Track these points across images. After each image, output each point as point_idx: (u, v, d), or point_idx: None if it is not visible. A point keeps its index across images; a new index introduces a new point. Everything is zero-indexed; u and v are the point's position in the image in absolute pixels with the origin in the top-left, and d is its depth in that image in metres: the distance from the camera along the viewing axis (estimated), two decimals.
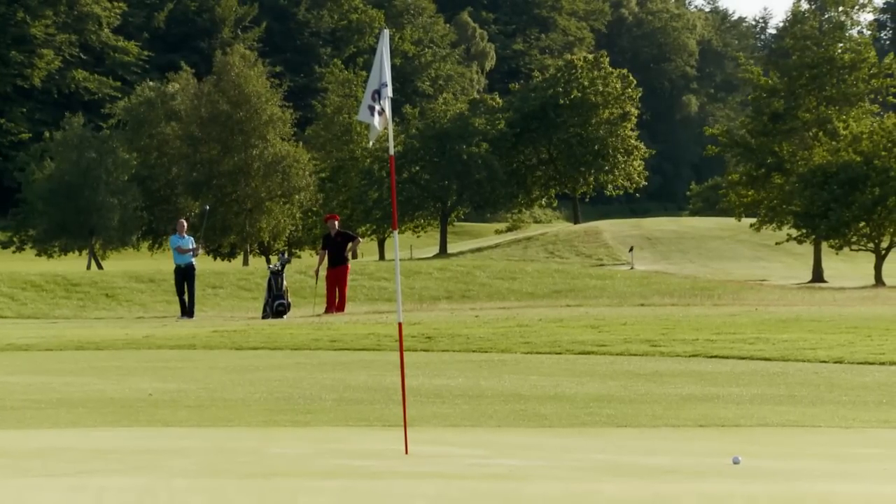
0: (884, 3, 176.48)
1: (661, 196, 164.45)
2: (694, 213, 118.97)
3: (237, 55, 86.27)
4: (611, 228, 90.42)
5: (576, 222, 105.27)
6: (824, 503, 7.79)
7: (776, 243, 77.59)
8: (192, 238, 34.79)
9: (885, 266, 69.95)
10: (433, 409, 13.36)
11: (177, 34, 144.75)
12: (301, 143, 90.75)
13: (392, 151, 11.64)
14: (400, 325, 11.23)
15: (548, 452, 10.36)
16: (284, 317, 32.34)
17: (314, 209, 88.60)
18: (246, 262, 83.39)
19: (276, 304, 32.99)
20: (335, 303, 33.09)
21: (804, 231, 72.53)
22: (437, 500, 7.65)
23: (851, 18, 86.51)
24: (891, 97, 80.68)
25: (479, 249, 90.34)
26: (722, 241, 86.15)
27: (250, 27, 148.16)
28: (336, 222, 34.62)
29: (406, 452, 9.98)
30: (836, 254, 74.40)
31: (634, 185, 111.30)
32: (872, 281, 67.40)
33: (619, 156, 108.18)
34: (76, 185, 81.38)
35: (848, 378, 16.34)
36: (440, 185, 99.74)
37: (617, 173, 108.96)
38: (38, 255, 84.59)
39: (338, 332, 24.31)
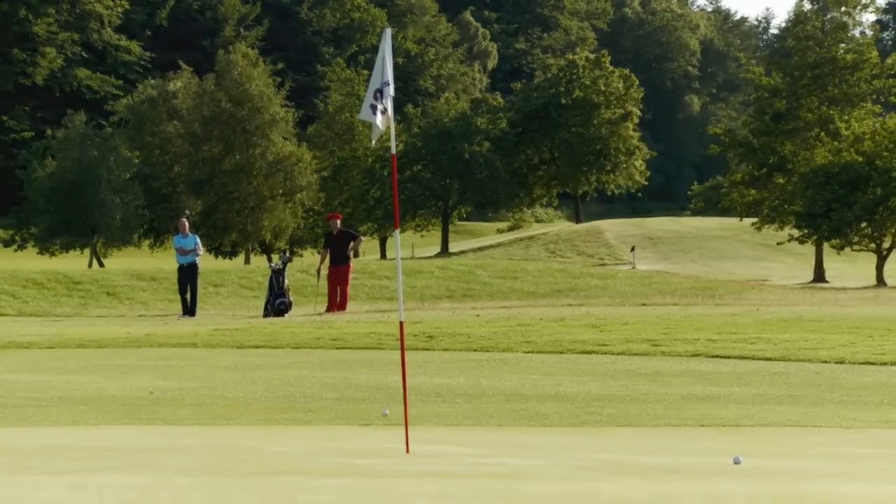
0: (886, 4, 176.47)
1: (662, 196, 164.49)
2: (696, 213, 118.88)
3: (239, 53, 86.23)
4: (612, 228, 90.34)
5: (577, 222, 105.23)
6: (825, 503, 7.78)
7: (778, 243, 77.51)
8: (196, 237, 34.74)
9: (887, 266, 69.86)
10: (434, 408, 13.35)
11: (179, 33, 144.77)
12: (303, 142, 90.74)
13: (394, 150, 11.63)
14: (401, 323, 11.21)
15: (549, 452, 10.35)
16: (286, 315, 32.33)
17: (316, 208, 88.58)
18: (247, 261, 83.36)
19: (277, 303, 32.97)
20: (336, 302, 33.08)
21: (806, 231, 72.45)
22: (437, 499, 7.64)
23: (854, 19, 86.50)
24: (893, 97, 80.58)
25: (480, 249, 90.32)
26: (723, 240, 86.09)
27: (252, 25, 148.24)
28: (338, 221, 34.58)
29: (407, 451, 9.97)
30: (838, 254, 74.29)
31: (636, 185, 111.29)
32: (874, 281, 67.36)
33: (620, 155, 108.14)
34: (78, 183, 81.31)
35: (849, 378, 16.33)
36: (442, 184, 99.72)
37: (618, 173, 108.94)
38: (40, 252, 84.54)
39: (339, 331, 24.31)
